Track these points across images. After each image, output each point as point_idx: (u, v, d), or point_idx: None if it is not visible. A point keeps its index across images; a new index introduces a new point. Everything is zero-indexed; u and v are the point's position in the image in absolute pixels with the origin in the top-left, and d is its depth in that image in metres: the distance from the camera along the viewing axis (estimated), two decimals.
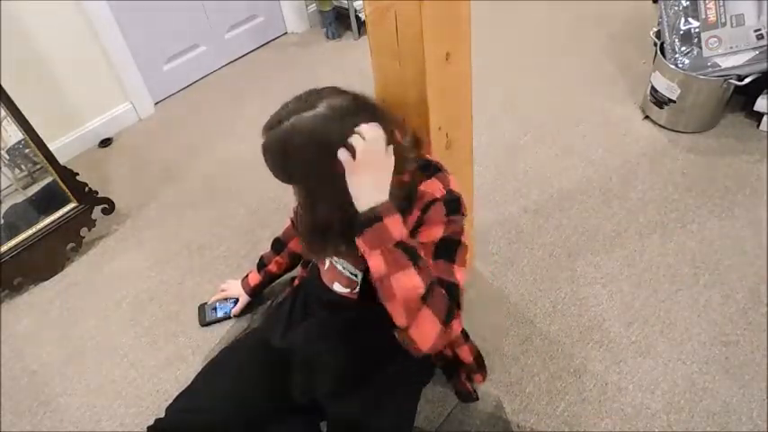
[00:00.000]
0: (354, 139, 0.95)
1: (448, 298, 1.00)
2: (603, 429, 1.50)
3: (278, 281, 1.78)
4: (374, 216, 0.96)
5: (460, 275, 1.06)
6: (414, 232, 1.06)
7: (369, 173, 0.97)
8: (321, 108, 0.97)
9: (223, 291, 1.84)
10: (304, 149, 0.97)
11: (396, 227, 0.97)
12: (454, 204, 1.08)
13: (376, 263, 0.97)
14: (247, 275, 1.77)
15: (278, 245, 1.67)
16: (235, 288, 1.80)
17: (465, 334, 1.42)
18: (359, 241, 0.99)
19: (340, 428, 1.21)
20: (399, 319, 0.98)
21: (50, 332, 1.95)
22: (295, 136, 0.97)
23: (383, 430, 1.18)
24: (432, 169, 1.12)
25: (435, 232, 1.05)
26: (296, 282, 1.54)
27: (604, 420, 1.51)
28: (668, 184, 2.13)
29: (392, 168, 1.00)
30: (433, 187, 1.08)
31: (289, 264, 1.69)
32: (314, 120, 0.96)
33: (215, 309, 1.86)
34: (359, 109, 1.00)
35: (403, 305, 0.97)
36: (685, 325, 1.70)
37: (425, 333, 0.98)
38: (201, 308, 1.89)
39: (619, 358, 1.64)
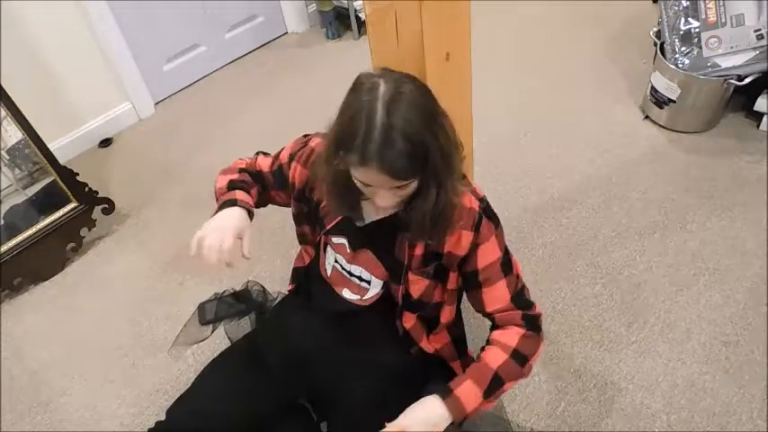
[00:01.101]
0: None
1: (528, 324, 1.10)
2: (603, 429, 1.50)
3: (276, 283, 1.78)
4: (463, 419, 1.06)
5: (518, 268, 1.13)
6: (471, 254, 1.07)
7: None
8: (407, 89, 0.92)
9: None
10: (422, 130, 0.90)
11: (470, 401, 1.06)
12: (493, 213, 1.10)
13: (488, 407, 1.11)
14: (226, 204, 1.16)
15: (252, 176, 1.27)
16: (235, 221, 1.14)
17: (455, 350, 1.39)
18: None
19: (340, 429, 1.21)
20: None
21: (50, 332, 1.95)
22: (402, 123, 0.88)
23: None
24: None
25: (494, 251, 1.08)
26: (293, 286, 1.54)
27: (604, 420, 1.51)
28: (668, 184, 2.13)
29: (428, 418, 1.04)
30: (466, 199, 1.06)
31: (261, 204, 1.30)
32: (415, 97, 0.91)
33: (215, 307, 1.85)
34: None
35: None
36: (685, 325, 1.70)
37: (538, 357, 1.13)
38: (201, 307, 1.89)
39: (619, 358, 1.64)
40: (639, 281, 1.83)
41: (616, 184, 2.15)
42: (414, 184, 0.96)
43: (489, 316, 1.13)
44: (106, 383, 1.77)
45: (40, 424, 1.70)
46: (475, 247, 1.07)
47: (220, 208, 1.14)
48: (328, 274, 1.26)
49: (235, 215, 1.11)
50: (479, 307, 1.14)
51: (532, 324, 1.11)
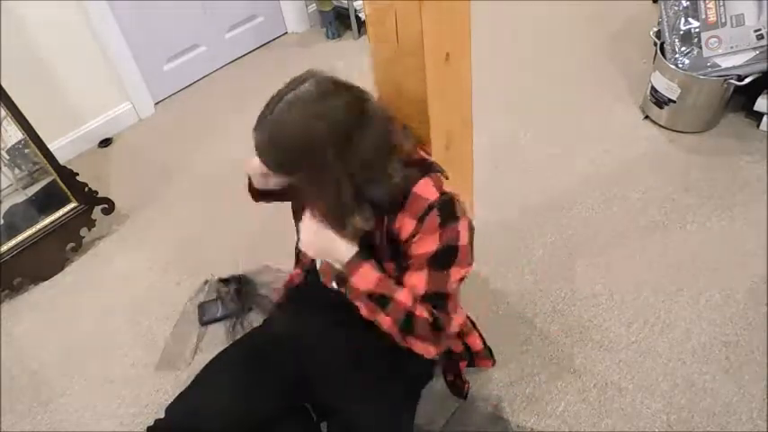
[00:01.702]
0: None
1: (432, 317, 1.09)
2: (603, 429, 1.50)
3: (278, 280, 1.78)
4: (344, 278, 1.10)
5: (456, 275, 1.10)
6: (410, 240, 1.08)
7: (323, 254, 1.11)
8: (302, 90, 0.97)
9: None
10: (292, 139, 0.96)
11: (361, 281, 1.08)
12: (448, 209, 1.07)
13: (362, 310, 1.12)
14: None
15: None
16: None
17: (471, 322, 1.42)
18: (347, 296, 1.12)
19: (340, 430, 1.21)
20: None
21: (50, 332, 1.95)
22: (281, 127, 0.97)
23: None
24: (425, 167, 1.11)
25: (430, 245, 1.07)
26: (294, 281, 1.54)
27: (604, 420, 1.51)
28: (668, 184, 2.12)
29: (334, 233, 1.07)
30: (425, 189, 1.07)
31: None
32: (296, 106, 0.96)
33: (215, 307, 1.85)
34: (339, 88, 0.99)
35: (393, 336, 1.11)
36: (685, 325, 1.70)
37: (423, 351, 1.12)
38: (201, 307, 1.89)
39: (619, 358, 1.64)
40: (639, 281, 1.83)
41: (616, 184, 2.15)
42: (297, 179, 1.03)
43: None
44: (106, 383, 1.77)
45: (40, 424, 1.70)
46: (414, 235, 1.07)
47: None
48: (318, 266, 1.28)
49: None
50: None
51: (437, 327, 1.09)
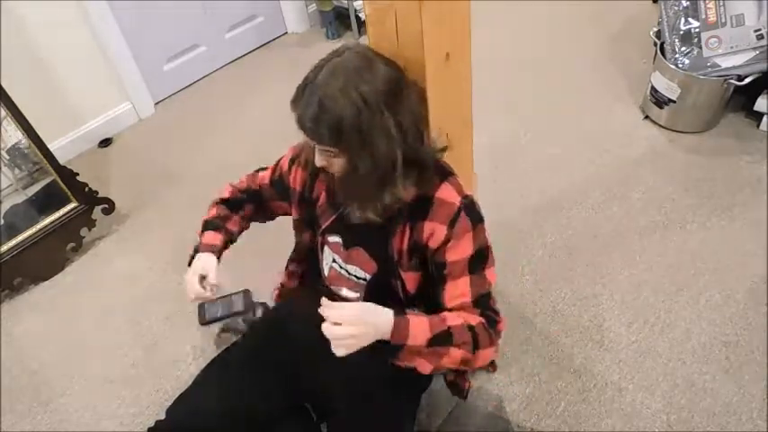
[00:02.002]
0: (327, 330, 0.97)
1: (486, 320, 1.08)
2: (603, 429, 1.50)
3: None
4: (398, 345, 1.02)
5: (491, 276, 1.11)
6: (443, 247, 1.07)
7: (363, 339, 0.99)
8: (343, 58, 0.99)
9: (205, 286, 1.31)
10: (345, 103, 0.95)
11: (417, 336, 1.02)
12: (475, 212, 1.09)
13: (424, 366, 1.08)
14: (196, 250, 1.32)
15: (233, 204, 1.41)
16: (199, 264, 1.30)
17: None
18: (398, 363, 1.08)
19: (340, 430, 1.21)
20: (468, 369, 1.13)
21: (50, 332, 1.95)
22: (332, 92, 0.95)
23: None
24: (441, 170, 1.12)
25: (466, 249, 1.07)
26: (293, 283, 1.54)
27: (604, 420, 1.51)
28: (668, 184, 2.13)
29: (374, 318, 1.01)
30: (448, 194, 1.08)
31: (246, 226, 1.44)
32: (339, 71, 0.97)
33: (216, 307, 1.85)
34: (376, 55, 1.02)
35: (462, 366, 1.09)
36: (685, 325, 1.70)
37: (487, 359, 1.11)
38: (201, 307, 1.89)
39: (619, 358, 1.64)
40: (639, 281, 1.83)
41: (616, 184, 2.15)
42: (342, 156, 1.01)
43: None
44: (106, 383, 1.77)
45: (40, 424, 1.70)
46: (447, 241, 1.07)
47: (193, 255, 1.31)
48: (326, 274, 1.27)
49: (195, 263, 1.28)
50: (441, 301, 1.12)
51: (492, 326, 1.09)
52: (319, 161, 1.06)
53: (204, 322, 1.86)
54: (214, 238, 1.33)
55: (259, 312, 1.83)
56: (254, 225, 1.46)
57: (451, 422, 1.54)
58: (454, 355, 1.05)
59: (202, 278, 1.25)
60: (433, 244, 1.08)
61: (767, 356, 1.59)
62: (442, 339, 1.03)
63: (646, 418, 1.50)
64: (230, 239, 1.37)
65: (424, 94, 1.11)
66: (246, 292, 1.86)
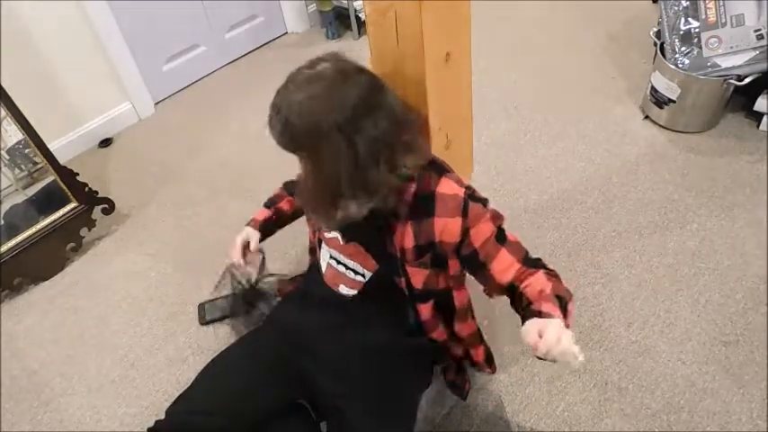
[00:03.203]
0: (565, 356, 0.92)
1: (545, 269, 1.11)
2: (603, 429, 1.50)
3: (277, 280, 1.77)
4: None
5: (515, 237, 1.15)
6: (465, 238, 1.08)
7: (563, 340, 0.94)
8: (321, 67, 0.98)
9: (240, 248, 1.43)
10: (307, 113, 0.96)
11: (570, 319, 1.01)
12: (480, 197, 1.11)
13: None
14: (253, 217, 1.48)
15: (291, 186, 1.50)
16: (244, 232, 1.45)
17: (480, 336, 1.42)
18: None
19: (340, 430, 1.21)
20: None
21: (50, 332, 1.95)
22: (298, 100, 0.96)
23: None
24: (438, 168, 1.12)
25: (487, 229, 1.10)
26: (293, 285, 1.54)
27: (604, 420, 1.51)
28: (668, 184, 2.13)
29: (554, 323, 0.96)
30: (449, 188, 1.09)
31: (299, 206, 1.50)
32: (314, 80, 0.97)
33: (215, 307, 1.85)
34: (357, 70, 1.00)
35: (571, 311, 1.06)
36: (685, 325, 1.70)
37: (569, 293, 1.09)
38: (201, 307, 1.89)
39: (619, 358, 1.64)
40: (639, 281, 1.83)
41: (616, 184, 2.15)
42: (310, 160, 1.02)
43: (510, 288, 1.11)
44: (106, 383, 1.77)
45: (40, 424, 1.70)
46: (467, 230, 1.08)
47: None
48: (324, 271, 1.28)
49: (242, 233, 1.42)
50: (494, 284, 1.12)
51: (554, 273, 1.10)
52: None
53: (204, 322, 1.86)
54: (262, 213, 1.47)
55: (263, 308, 1.82)
56: None
57: (451, 422, 1.54)
58: (572, 309, 1.04)
59: (247, 246, 1.40)
60: (449, 238, 1.09)
61: (767, 356, 1.59)
62: (563, 305, 1.02)
63: (646, 418, 1.50)
64: (279, 216, 1.47)
65: (408, 111, 1.08)
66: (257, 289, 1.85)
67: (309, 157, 1.01)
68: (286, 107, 0.97)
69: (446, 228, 1.08)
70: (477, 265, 1.11)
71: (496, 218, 1.12)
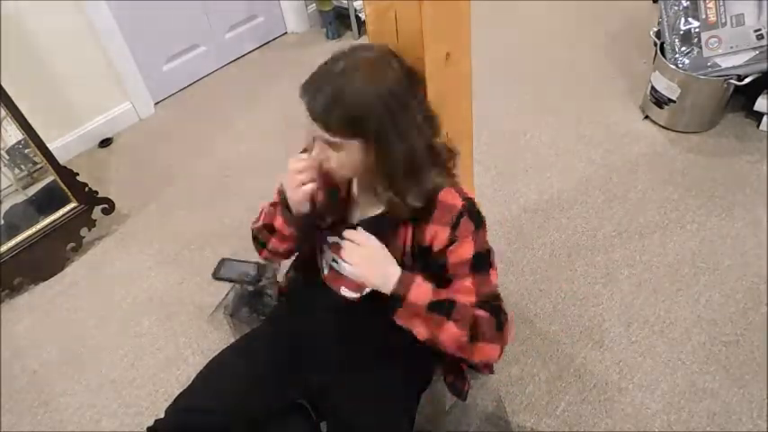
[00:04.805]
0: (347, 250, 1.01)
1: (492, 315, 1.06)
2: (603, 429, 1.50)
3: (277, 280, 1.78)
4: (398, 297, 1.03)
5: (495, 278, 1.11)
6: (446, 248, 1.07)
7: (373, 269, 1.03)
8: (359, 53, 1.03)
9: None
10: (364, 92, 0.97)
11: (420, 294, 1.03)
12: (478, 215, 1.09)
13: (420, 331, 1.05)
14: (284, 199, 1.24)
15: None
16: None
17: None
18: (397, 321, 1.05)
19: (340, 430, 1.21)
20: (466, 358, 1.08)
21: (50, 332, 1.95)
22: (350, 80, 0.98)
23: None
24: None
25: (467, 250, 1.07)
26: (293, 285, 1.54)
27: (604, 420, 1.51)
28: (668, 184, 2.13)
29: (385, 249, 1.04)
30: (450, 196, 1.08)
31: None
32: (358, 64, 1.00)
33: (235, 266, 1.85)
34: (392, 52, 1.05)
35: (459, 351, 1.06)
36: (685, 325, 1.70)
37: (489, 356, 1.08)
38: (222, 262, 1.88)
39: (619, 358, 1.64)
40: (639, 281, 1.83)
41: (616, 184, 2.15)
42: (351, 150, 1.01)
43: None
44: (106, 383, 1.77)
45: (40, 424, 1.70)
46: (451, 243, 1.07)
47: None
48: (325, 273, 1.28)
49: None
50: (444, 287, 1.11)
51: (498, 320, 1.07)
52: (317, 153, 1.05)
53: (217, 277, 1.86)
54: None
55: (269, 274, 1.81)
56: None
57: (451, 422, 1.54)
58: (451, 331, 1.03)
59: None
60: (437, 245, 1.08)
61: (767, 356, 1.59)
62: (442, 308, 1.03)
63: (646, 418, 1.51)
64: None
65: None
66: (260, 266, 1.86)
67: (382, 136, 0.99)
68: (350, 90, 0.97)
69: (436, 235, 1.08)
70: (442, 277, 1.10)
71: (481, 244, 1.09)
